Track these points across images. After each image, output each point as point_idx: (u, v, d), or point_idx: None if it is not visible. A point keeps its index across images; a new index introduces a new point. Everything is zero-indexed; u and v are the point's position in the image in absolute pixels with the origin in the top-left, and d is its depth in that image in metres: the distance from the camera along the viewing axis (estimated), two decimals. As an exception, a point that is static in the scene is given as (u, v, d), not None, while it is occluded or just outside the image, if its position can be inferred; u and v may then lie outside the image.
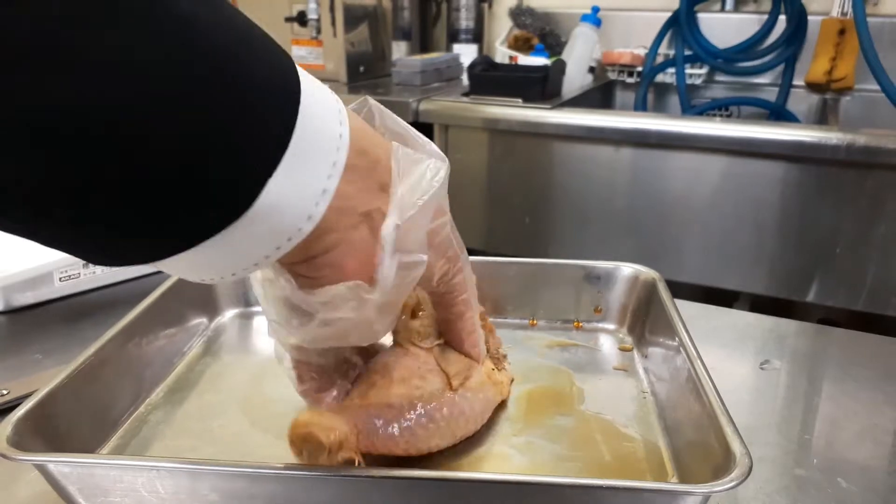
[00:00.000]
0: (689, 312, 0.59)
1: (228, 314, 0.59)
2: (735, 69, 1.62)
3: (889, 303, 1.11)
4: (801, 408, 0.50)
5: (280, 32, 1.63)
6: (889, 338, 0.58)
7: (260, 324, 0.58)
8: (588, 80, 1.62)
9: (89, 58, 0.21)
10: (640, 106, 1.65)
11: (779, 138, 1.12)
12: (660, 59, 1.66)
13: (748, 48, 1.60)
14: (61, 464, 0.36)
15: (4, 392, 0.47)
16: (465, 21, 1.76)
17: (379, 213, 0.32)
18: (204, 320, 0.57)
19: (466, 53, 1.74)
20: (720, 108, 1.65)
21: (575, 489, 0.34)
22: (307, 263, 0.31)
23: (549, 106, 1.29)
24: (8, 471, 0.41)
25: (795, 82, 1.57)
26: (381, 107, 0.36)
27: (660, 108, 1.73)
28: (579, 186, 1.29)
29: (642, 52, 1.67)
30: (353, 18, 1.56)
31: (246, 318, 0.59)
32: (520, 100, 1.32)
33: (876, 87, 1.19)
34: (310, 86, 0.28)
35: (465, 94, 1.40)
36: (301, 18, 1.56)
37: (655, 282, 0.54)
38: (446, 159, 0.36)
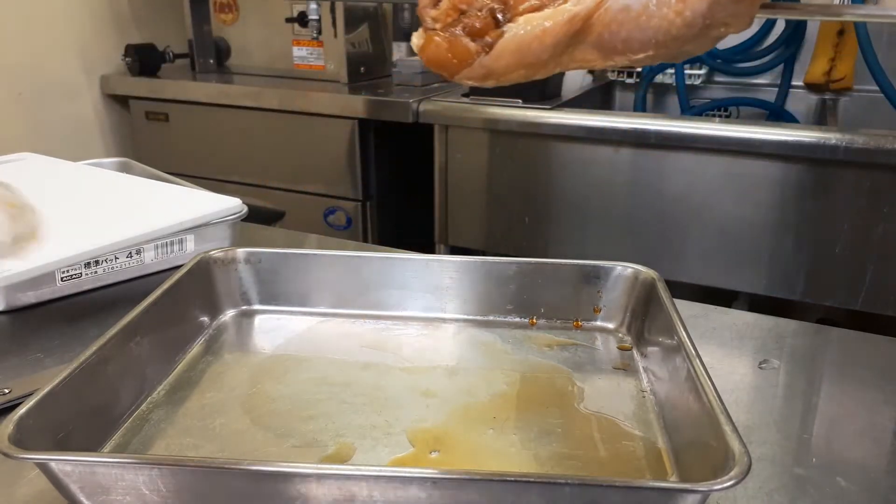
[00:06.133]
0: (689, 312, 0.59)
1: (229, 313, 0.59)
2: (734, 70, 1.62)
3: (888, 302, 1.11)
4: (800, 407, 0.50)
5: (281, 33, 1.64)
6: (887, 337, 0.58)
7: (261, 323, 0.58)
8: (587, 80, 1.62)
9: None
10: (640, 106, 1.66)
11: (778, 139, 1.12)
12: (659, 60, 1.66)
13: (747, 49, 1.60)
14: (63, 462, 0.36)
15: (6, 391, 0.47)
16: (465, 21, 1.76)
17: None
18: (205, 319, 0.57)
19: (466, 54, 1.74)
20: (719, 109, 1.65)
21: (574, 487, 0.34)
22: None
23: (548, 106, 1.29)
24: (10, 469, 0.41)
25: (794, 83, 1.57)
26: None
27: (659, 109, 1.74)
28: (579, 186, 1.29)
29: (642, 52, 1.67)
30: (353, 19, 1.57)
31: (247, 317, 0.59)
32: (519, 100, 1.32)
33: (875, 87, 1.19)
34: None
35: (465, 95, 1.40)
36: (302, 19, 1.56)
37: (655, 281, 0.54)
38: None
